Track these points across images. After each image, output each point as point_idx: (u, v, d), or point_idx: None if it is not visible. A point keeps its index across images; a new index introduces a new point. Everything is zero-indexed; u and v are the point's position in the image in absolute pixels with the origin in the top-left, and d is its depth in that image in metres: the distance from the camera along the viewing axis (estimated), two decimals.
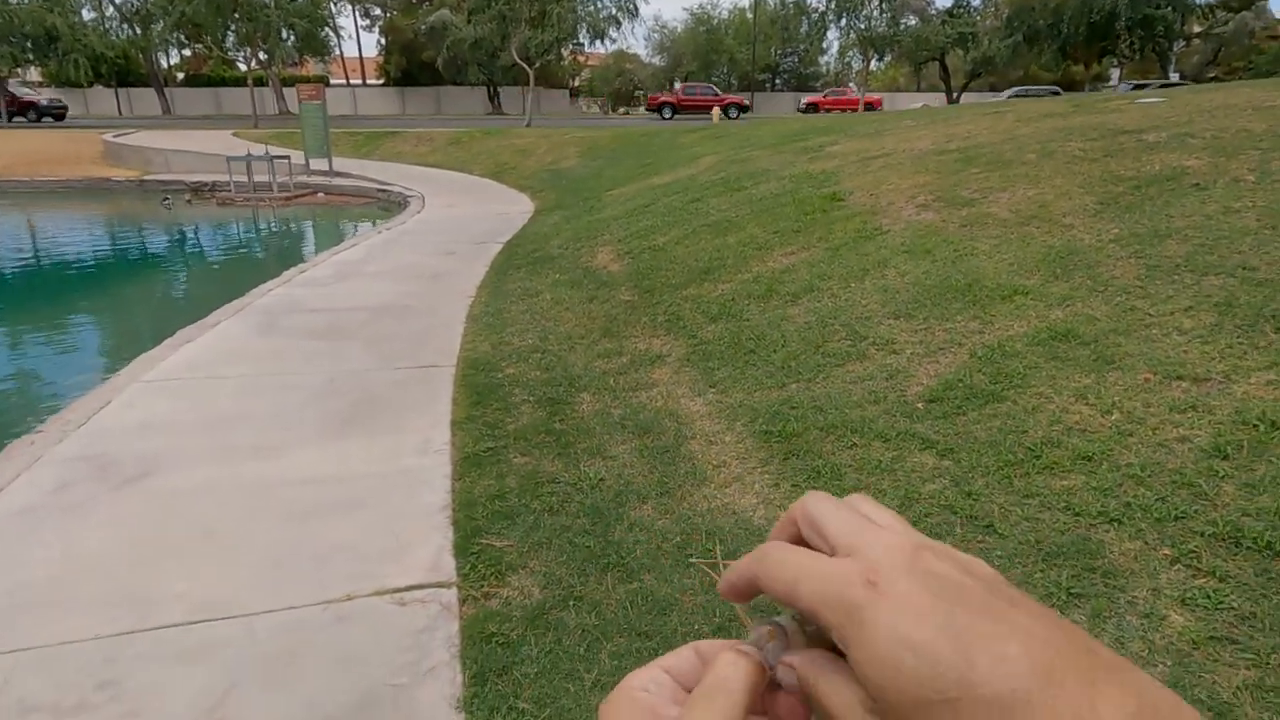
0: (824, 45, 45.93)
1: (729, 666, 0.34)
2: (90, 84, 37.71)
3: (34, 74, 41.99)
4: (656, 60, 54.00)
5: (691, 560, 2.79)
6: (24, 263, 12.23)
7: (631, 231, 8.14)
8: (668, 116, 33.42)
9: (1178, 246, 4.18)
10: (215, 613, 2.55)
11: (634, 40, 72.57)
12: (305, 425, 4.02)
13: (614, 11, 32.41)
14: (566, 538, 2.95)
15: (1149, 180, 5.16)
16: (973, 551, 2.52)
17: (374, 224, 12.45)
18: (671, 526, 3.00)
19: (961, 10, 40.50)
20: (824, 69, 56.53)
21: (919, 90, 51.50)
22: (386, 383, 4.65)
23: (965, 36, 38.60)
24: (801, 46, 49.11)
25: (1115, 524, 2.54)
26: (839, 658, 0.33)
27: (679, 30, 52.09)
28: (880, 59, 43.27)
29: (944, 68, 42.30)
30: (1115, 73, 43.65)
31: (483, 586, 2.69)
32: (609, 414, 4.09)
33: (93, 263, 12.09)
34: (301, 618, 2.53)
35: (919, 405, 3.53)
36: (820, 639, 0.35)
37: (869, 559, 0.32)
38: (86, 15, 36.30)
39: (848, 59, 43.85)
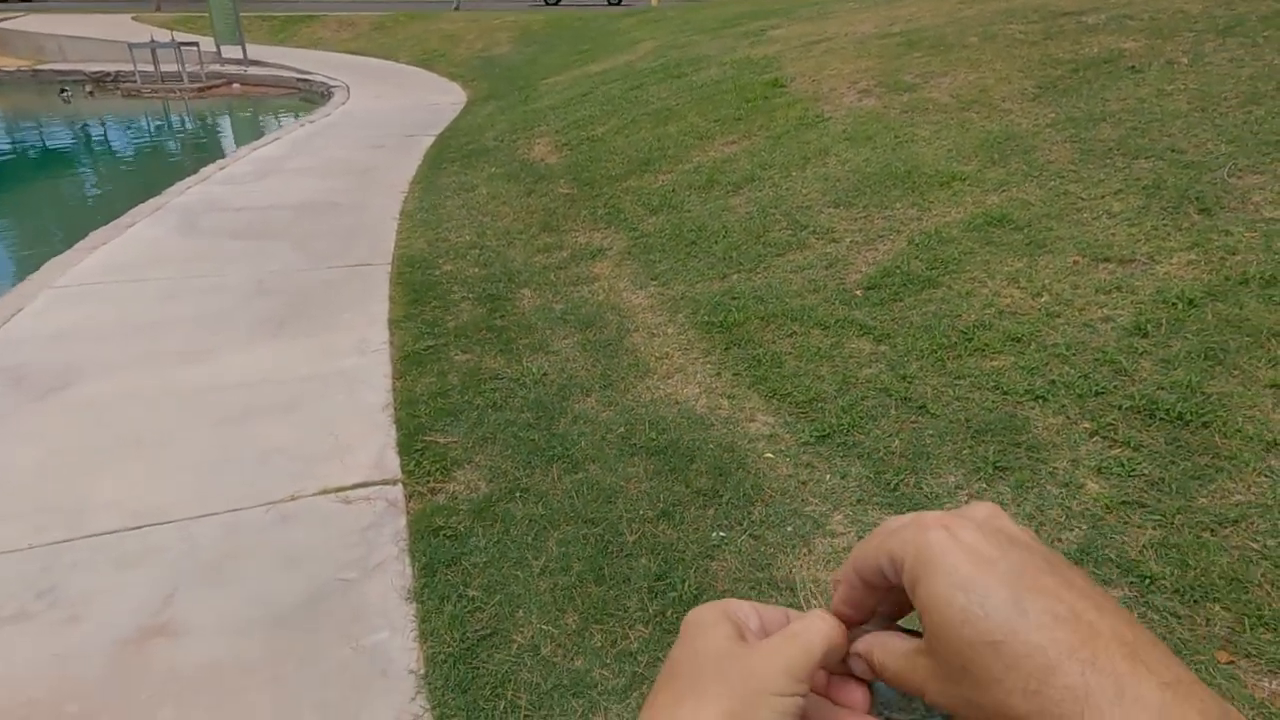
0: None
1: (817, 619, 0.38)
2: None
3: None
4: None
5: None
6: None
7: (569, 121, 7.87)
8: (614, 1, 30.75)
9: (1111, 130, 4.22)
10: (152, 519, 2.51)
11: None
12: (235, 328, 3.89)
13: None
14: (511, 432, 2.96)
15: (1086, 63, 5.15)
16: (906, 431, 2.61)
17: (296, 116, 11.79)
18: (615, 418, 3.03)
19: None
20: None
21: None
22: (318, 282, 4.50)
23: None
24: None
25: (1040, 401, 2.65)
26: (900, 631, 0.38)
27: None
28: None
29: None
30: None
31: (428, 482, 2.70)
32: (550, 309, 4.04)
33: None
34: (244, 520, 2.50)
35: (857, 293, 3.57)
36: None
37: (949, 514, 0.35)
38: None
39: None
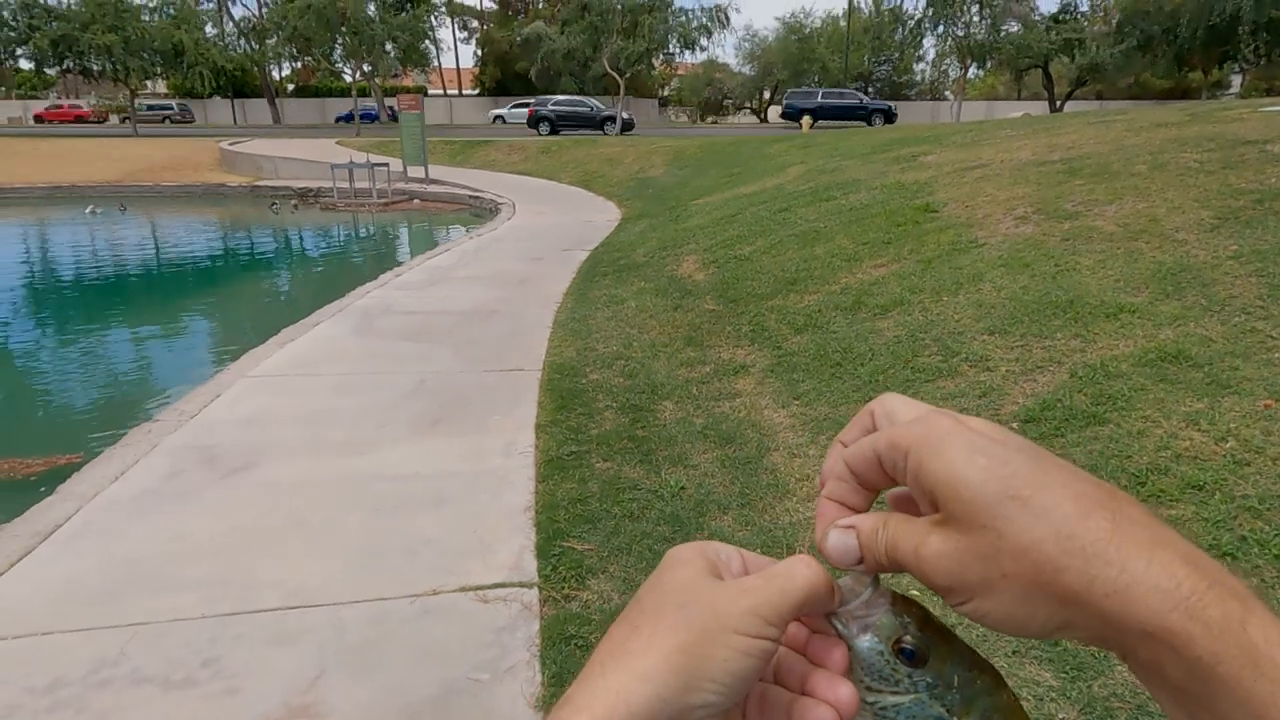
0: (919, 53, 44.82)
1: (800, 563, 0.36)
2: (210, 95, 40.14)
3: (160, 86, 44.96)
4: (746, 69, 53.81)
5: None
6: (147, 263, 13.08)
7: (717, 240, 8.13)
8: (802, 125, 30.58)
9: None
10: (308, 600, 2.66)
11: (724, 50, 72.22)
12: (397, 423, 4.17)
13: (705, 21, 32.47)
14: (646, 544, 2.97)
15: (1273, 194, 4.83)
16: None
17: (466, 230, 12.82)
18: (752, 538, 2.98)
19: (1068, 16, 38.85)
20: (919, 77, 55.22)
21: (1019, 99, 49.70)
22: (474, 385, 4.78)
23: (1071, 43, 37.02)
24: (895, 54, 48.13)
25: (1229, 558, 2.39)
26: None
27: (770, 39, 51.78)
28: (980, 67, 41.89)
29: (1047, 75, 40.68)
30: (1236, 79, 41.08)
31: (563, 589, 2.73)
32: (691, 422, 4.08)
33: (207, 264, 12.84)
34: (389, 609, 2.61)
35: (1014, 425, 3.39)
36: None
37: (952, 412, 0.36)
38: (209, 31, 38.65)
39: (944, 67, 42.69)
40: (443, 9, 44.67)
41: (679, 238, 9.00)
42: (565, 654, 2.40)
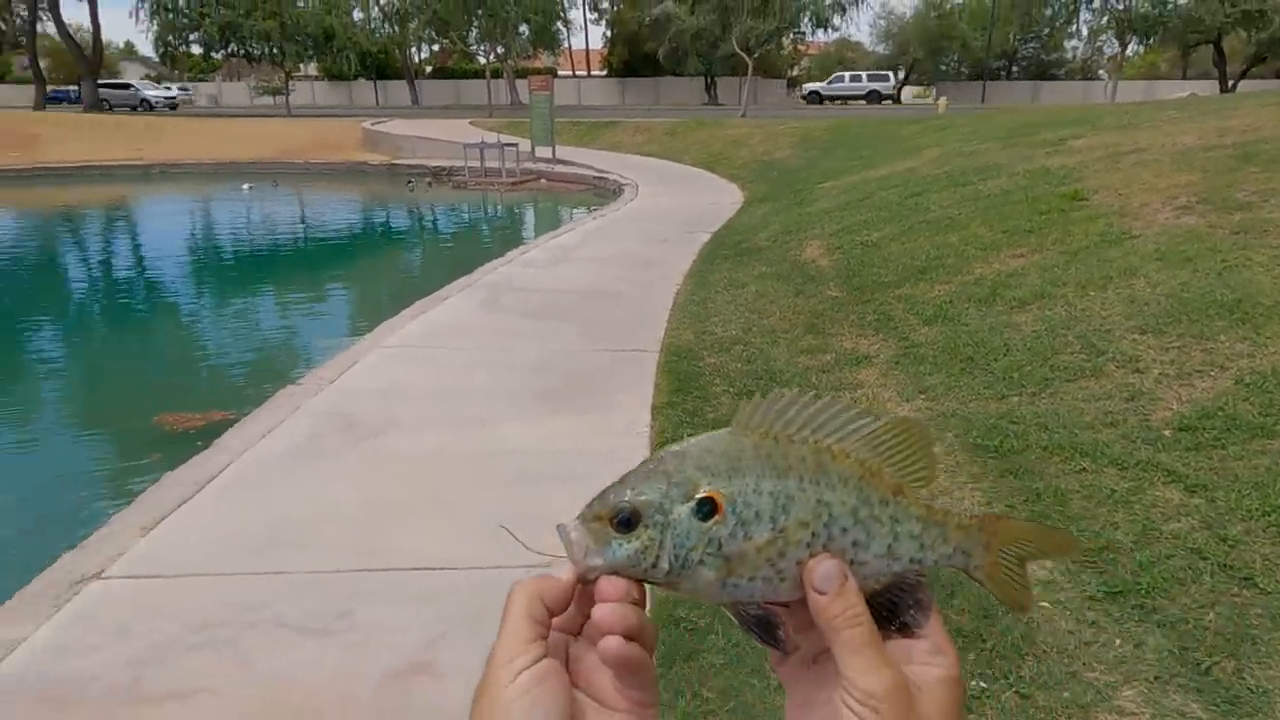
0: (1072, 29, 41.82)
1: (515, 589, 0.46)
2: (355, 77, 42.32)
3: (311, 69, 47.74)
4: (880, 49, 51.86)
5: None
6: (294, 236, 13.99)
7: (843, 226, 7.90)
8: None
9: None
10: (433, 563, 2.79)
11: (856, 28, 69.90)
12: (519, 399, 4.29)
13: None
14: None
15: None
16: (1225, 605, 2.22)
17: (589, 210, 13.01)
18: None
19: None
20: (1070, 55, 51.59)
21: (1184, 78, 45.62)
22: (596, 364, 4.85)
23: (1252, 15, 33.57)
24: (1045, 31, 45.09)
25: None
26: None
27: (907, 17, 49.64)
28: (1142, 43, 38.65)
29: (1219, 51, 37.12)
30: None
31: None
32: None
33: (347, 237, 13.60)
34: (505, 578, 2.69)
35: (1166, 432, 3.14)
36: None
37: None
38: (355, 16, 40.69)
39: (1099, 43, 39.71)
40: None
41: (803, 222, 8.81)
42: (675, 636, 2.41)
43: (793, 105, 40.23)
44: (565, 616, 0.46)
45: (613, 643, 0.43)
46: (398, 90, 49.27)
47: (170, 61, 41.46)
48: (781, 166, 15.59)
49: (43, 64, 38.50)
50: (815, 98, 40.76)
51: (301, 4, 34.93)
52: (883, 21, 51.37)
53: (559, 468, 3.50)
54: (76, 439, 5.14)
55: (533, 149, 18.55)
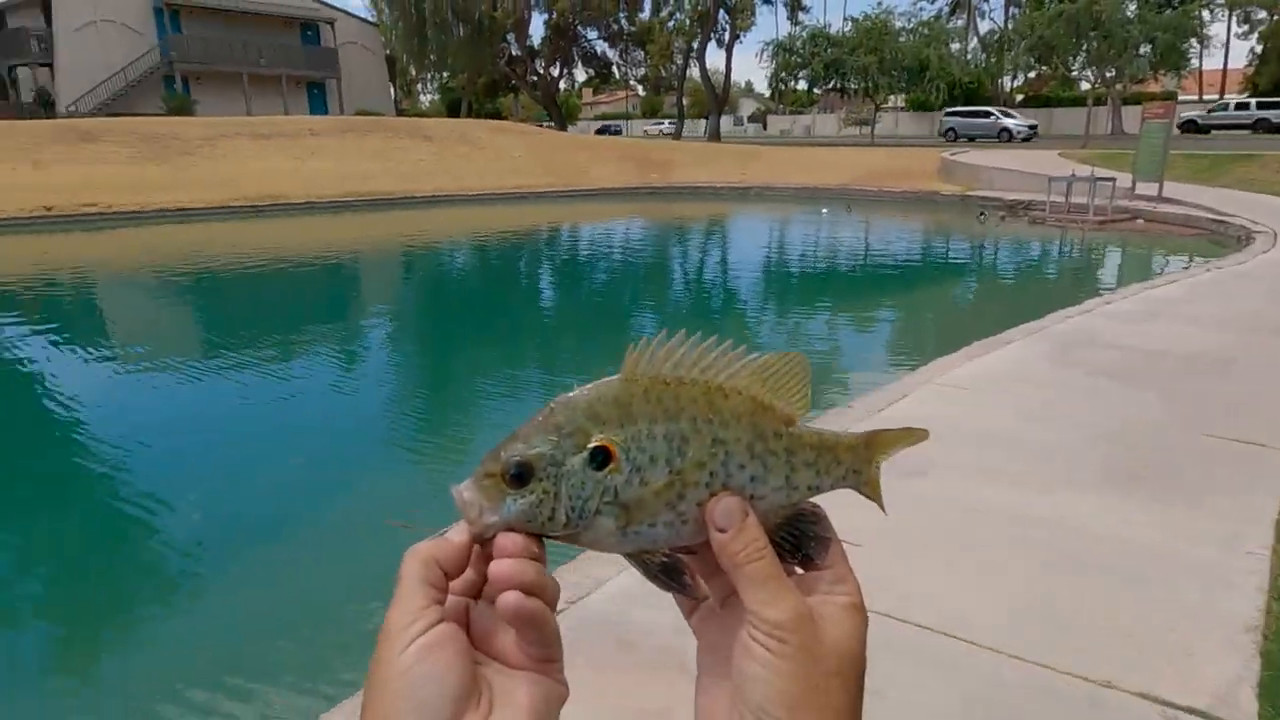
0: None
1: (406, 558, 0.43)
2: (940, 107, 42.37)
3: (899, 100, 49.30)
4: None
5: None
6: (854, 260, 14.59)
7: None
8: None
9: None
10: (956, 632, 2.54)
11: None
12: (1083, 470, 3.71)
13: None
14: None
15: None
16: None
17: (1201, 259, 10.84)
18: None
19: None
20: None
21: None
22: (1190, 448, 3.95)
23: None
24: None
25: None
26: None
27: None
28: None
29: None
30: None
31: None
32: None
33: (908, 266, 13.66)
34: (1049, 681, 2.31)
35: None
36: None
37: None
38: (953, 48, 40.71)
39: None
40: (1221, 1, 38.25)
41: None
42: None
43: None
44: (465, 580, 0.45)
45: (511, 597, 0.41)
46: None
47: (778, 96, 46.99)
48: None
49: (685, 102, 47.10)
50: None
51: (903, 38, 36.23)
52: None
53: (1120, 561, 2.91)
54: None
55: (1133, 184, 16.17)
